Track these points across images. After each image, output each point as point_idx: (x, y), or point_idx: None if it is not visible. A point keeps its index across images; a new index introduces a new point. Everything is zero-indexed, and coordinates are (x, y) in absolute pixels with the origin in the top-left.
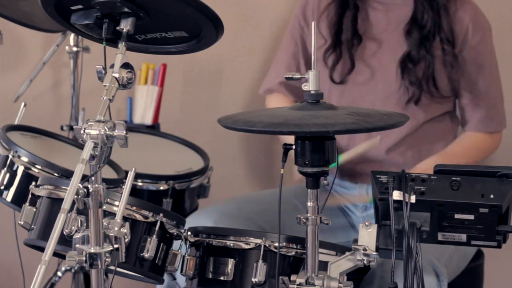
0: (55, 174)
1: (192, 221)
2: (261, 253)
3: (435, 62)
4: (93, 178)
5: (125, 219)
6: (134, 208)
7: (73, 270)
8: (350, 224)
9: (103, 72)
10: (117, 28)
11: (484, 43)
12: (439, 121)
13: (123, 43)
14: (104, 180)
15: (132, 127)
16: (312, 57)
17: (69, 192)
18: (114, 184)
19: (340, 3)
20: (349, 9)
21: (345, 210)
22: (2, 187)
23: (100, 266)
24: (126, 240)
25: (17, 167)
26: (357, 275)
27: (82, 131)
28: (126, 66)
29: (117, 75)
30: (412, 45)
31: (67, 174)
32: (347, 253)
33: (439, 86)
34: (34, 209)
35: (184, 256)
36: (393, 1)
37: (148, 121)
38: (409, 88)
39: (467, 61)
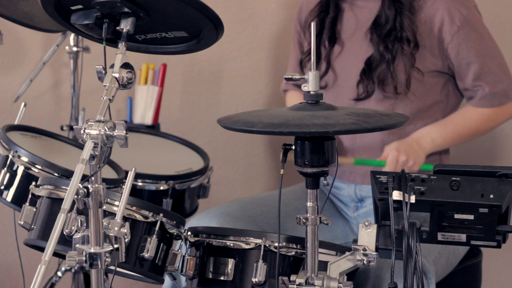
0: (55, 174)
1: (194, 223)
2: (261, 253)
3: (395, 61)
4: (93, 178)
5: (125, 219)
6: (134, 208)
7: (73, 270)
8: (346, 223)
9: (103, 72)
10: (117, 28)
11: (467, 26)
12: (427, 116)
13: (123, 43)
14: (104, 180)
15: (132, 127)
16: (312, 57)
17: (69, 192)
18: (114, 184)
19: (323, 8)
20: (330, 12)
21: (339, 211)
22: (2, 187)
23: (100, 266)
24: (126, 240)
25: (17, 167)
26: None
27: (82, 131)
28: (126, 66)
29: (117, 75)
30: (375, 44)
31: (67, 174)
32: (347, 253)
33: (397, 84)
34: (34, 209)
35: (184, 256)
36: (364, 2)
37: (148, 121)
38: (367, 85)
39: (452, 47)
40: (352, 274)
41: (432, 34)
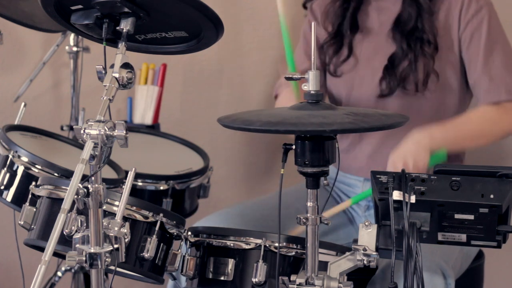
0: (55, 174)
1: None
2: (261, 253)
3: (417, 60)
4: (93, 178)
5: (125, 219)
6: (134, 208)
7: (73, 270)
8: (351, 223)
9: (103, 72)
10: (117, 28)
11: (480, 15)
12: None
13: (123, 43)
14: (104, 180)
15: (132, 127)
16: (312, 57)
17: (69, 192)
18: (114, 184)
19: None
20: (352, 3)
21: (347, 209)
22: (2, 187)
23: (100, 266)
24: (126, 240)
25: (17, 167)
26: (365, 275)
27: (82, 131)
28: (126, 66)
29: (117, 75)
30: (397, 42)
31: (67, 174)
32: (347, 253)
33: (417, 83)
34: (34, 209)
35: (184, 256)
36: (386, 3)
37: (148, 121)
38: (389, 83)
39: (465, 35)
40: (367, 277)
41: (449, 31)
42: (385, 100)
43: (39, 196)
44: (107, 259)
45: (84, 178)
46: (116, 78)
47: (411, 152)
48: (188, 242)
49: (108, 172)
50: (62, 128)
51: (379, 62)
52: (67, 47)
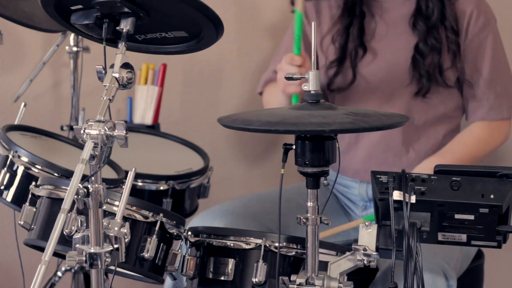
0: (55, 174)
1: (196, 221)
2: (262, 253)
3: (442, 50)
4: (93, 178)
5: (125, 219)
6: (134, 208)
7: (73, 270)
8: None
9: (103, 72)
10: (117, 28)
11: (487, 29)
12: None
13: (123, 43)
14: (104, 180)
15: (132, 127)
16: (312, 57)
17: (69, 192)
18: (114, 184)
19: (347, 13)
20: (355, 18)
21: (345, 209)
22: (2, 187)
23: (100, 266)
24: (126, 240)
25: (17, 167)
26: (365, 275)
27: (82, 131)
28: (126, 66)
29: (117, 75)
30: (420, 37)
31: (67, 174)
32: (347, 253)
33: (445, 75)
34: (34, 209)
35: (184, 256)
36: (391, 4)
37: (148, 121)
38: (419, 80)
39: (471, 48)
40: (369, 277)
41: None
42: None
43: (39, 196)
44: (107, 259)
45: (84, 178)
46: (116, 78)
47: None
48: (188, 242)
49: (108, 172)
50: (62, 128)
51: (398, 64)
52: (67, 47)
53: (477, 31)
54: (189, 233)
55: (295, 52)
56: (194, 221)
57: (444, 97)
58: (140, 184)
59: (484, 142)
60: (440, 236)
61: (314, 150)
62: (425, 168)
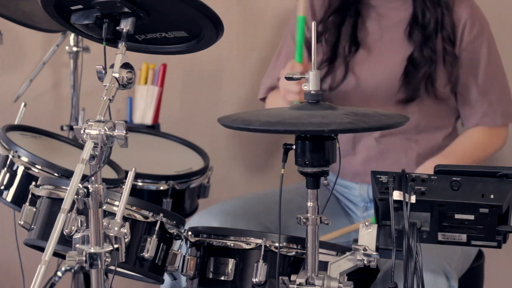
0: (55, 174)
1: (196, 220)
2: (262, 253)
3: (436, 61)
4: (93, 178)
5: (125, 219)
6: (134, 208)
7: (73, 270)
8: (350, 223)
9: (103, 72)
10: (117, 28)
11: (482, 37)
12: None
13: (123, 43)
14: (104, 180)
15: (132, 127)
16: (312, 57)
17: (69, 192)
18: (114, 184)
19: (340, 12)
20: (349, 17)
21: (346, 210)
22: (2, 187)
23: (100, 266)
24: (126, 240)
25: (17, 167)
26: (365, 275)
27: (82, 131)
28: (126, 66)
29: (117, 75)
30: (416, 46)
31: (67, 174)
32: (347, 253)
33: (437, 85)
34: (34, 209)
35: (184, 256)
36: (390, 4)
37: (148, 121)
38: (407, 89)
39: (465, 56)
40: (371, 278)
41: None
42: (407, 107)
43: (39, 196)
44: (107, 259)
45: (84, 178)
46: (116, 78)
47: None
48: (189, 242)
49: (108, 172)
50: (62, 128)
51: (391, 70)
52: (67, 47)
53: (472, 39)
54: (189, 233)
55: (296, 59)
56: (193, 220)
57: (437, 104)
58: (140, 184)
59: (483, 145)
60: (440, 236)
61: (314, 150)
62: (427, 168)
